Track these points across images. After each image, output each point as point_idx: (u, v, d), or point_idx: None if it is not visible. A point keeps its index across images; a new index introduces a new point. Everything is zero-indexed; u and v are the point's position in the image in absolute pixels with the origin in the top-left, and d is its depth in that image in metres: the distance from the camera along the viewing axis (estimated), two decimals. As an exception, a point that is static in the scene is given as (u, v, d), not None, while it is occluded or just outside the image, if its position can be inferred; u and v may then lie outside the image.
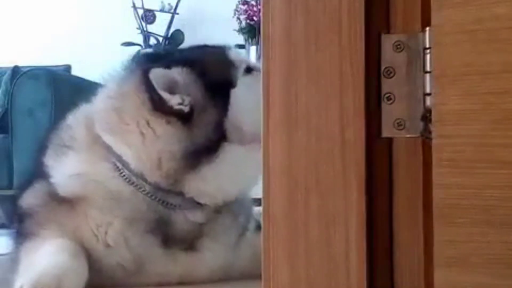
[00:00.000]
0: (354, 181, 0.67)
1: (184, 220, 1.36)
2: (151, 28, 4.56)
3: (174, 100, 1.32)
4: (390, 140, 0.68)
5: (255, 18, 4.21)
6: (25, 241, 1.34)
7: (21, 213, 1.42)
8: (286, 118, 0.69)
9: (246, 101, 1.37)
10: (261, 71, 0.72)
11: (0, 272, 1.39)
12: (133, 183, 1.33)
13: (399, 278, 0.67)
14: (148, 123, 1.32)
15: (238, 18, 4.30)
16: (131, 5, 4.55)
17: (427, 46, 0.65)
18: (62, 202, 1.34)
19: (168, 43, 4.45)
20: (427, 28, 0.65)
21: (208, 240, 1.38)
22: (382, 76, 0.67)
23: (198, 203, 1.37)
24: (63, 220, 1.33)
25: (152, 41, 4.54)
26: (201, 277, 1.38)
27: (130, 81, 1.37)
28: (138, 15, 4.56)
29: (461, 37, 0.60)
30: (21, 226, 1.40)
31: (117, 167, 1.34)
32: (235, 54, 1.45)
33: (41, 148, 1.46)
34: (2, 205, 2.99)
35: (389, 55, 0.67)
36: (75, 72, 4.21)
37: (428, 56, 0.65)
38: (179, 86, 1.33)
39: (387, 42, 0.67)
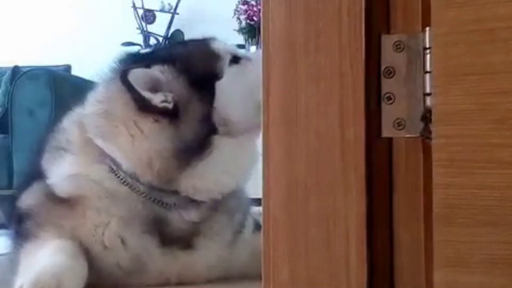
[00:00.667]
0: (354, 181, 0.67)
1: (180, 219, 1.36)
2: (151, 28, 4.56)
3: (157, 99, 1.32)
4: (390, 140, 0.68)
5: (255, 18, 4.21)
6: (24, 242, 1.35)
7: (20, 214, 1.42)
8: (286, 118, 0.69)
9: (233, 91, 1.37)
10: (261, 71, 0.72)
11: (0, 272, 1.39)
12: (127, 183, 1.34)
13: (399, 278, 0.67)
14: (135, 124, 1.33)
15: (238, 18, 4.30)
16: (131, 5, 4.55)
17: (427, 46, 0.65)
18: (60, 203, 1.35)
19: (168, 43, 4.45)
20: (427, 28, 0.65)
21: (205, 238, 1.38)
22: (382, 76, 0.67)
23: (194, 201, 1.37)
24: (61, 221, 1.34)
25: (152, 41, 4.54)
26: (198, 275, 1.38)
27: (114, 84, 1.37)
28: (138, 15, 4.56)
29: (461, 37, 0.60)
30: (20, 227, 1.41)
31: (112, 168, 1.35)
32: (220, 46, 1.44)
33: (38, 150, 1.47)
34: (1, 205, 2.99)
35: (389, 55, 0.67)
36: (75, 72, 4.20)
37: (428, 56, 0.65)
38: (161, 84, 1.33)
39: (387, 42, 0.67)
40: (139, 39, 4.52)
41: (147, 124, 1.32)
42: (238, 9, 4.33)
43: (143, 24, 4.55)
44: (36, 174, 1.43)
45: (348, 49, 0.67)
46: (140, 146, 1.33)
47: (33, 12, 4.89)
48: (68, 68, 4.33)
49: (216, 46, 1.43)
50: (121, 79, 1.33)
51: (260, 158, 0.72)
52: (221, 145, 1.35)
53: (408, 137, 0.67)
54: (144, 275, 1.34)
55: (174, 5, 4.56)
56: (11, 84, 3.48)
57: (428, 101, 0.65)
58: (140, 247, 1.33)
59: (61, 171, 1.37)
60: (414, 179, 0.67)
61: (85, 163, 1.36)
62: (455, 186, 0.60)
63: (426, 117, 0.65)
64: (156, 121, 1.32)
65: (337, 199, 0.67)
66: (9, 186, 3.24)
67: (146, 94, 1.32)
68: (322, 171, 0.68)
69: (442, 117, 0.61)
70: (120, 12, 4.55)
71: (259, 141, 1.44)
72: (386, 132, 0.67)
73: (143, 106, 1.32)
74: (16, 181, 3.21)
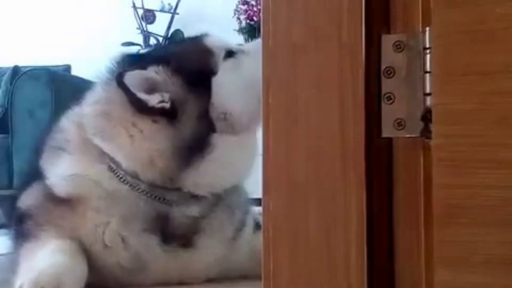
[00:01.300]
0: (354, 181, 0.67)
1: (181, 215, 1.36)
2: (151, 28, 4.56)
3: (153, 100, 1.33)
4: (390, 140, 0.68)
5: (255, 18, 4.22)
6: (24, 242, 1.35)
7: (20, 214, 1.42)
8: (286, 118, 0.69)
9: (230, 85, 1.38)
10: (261, 71, 0.72)
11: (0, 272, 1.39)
12: (128, 182, 1.34)
13: (399, 278, 0.67)
14: (134, 125, 1.34)
15: (238, 18, 4.30)
16: (131, 5, 4.55)
17: (427, 46, 0.65)
18: (60, 203, 1.35)
19: (168, 43, 4.45)
20: (427, 28, 0.64)
21: (205, 235, 1.38)
22: (382, 76, 0.67)
23: (195, 196, 1.37)
24: (61, 221, 1.34)
25: (152, 41, 4.54)
26: (198, 274, 1.38)
27: (112, 85, 1.37)
28: (138, 15, 4.56)
29: (461, 37, 0.60)
30: (20, 227, 1.41)
31: (111, 168, 1.35)
32: (213, 41, 1.45)
33: (37, 150, 1.47)
34: (2, 205, 2.99)
35: (389, 55, 0.67)
36: (75, 72, 4.20)
37: (428, 56, 0.65)
38: (157, 85, 1.34)
39: (387, 42, 0.67)
40: (139, 39, 4.52)
41: (146, 124, 1.33)
42: (238, 9, 4.33)
43: (143, 24, 4.55)
44: (35, 174, 1.43)
45: (348, 49, 0.67)
46: (140, 146, 1.33)
47: (33, 12, 4.88)
48: (68, 68, 4.33)
49: (209, 42, 1.44)
50: (117, 82, 1.33)
51: (261, 154, 0.72)
52: (222, 142, 1.36)
53: (408, 137, 0.67)
54: (144, 274, 1.34)
55: (174, 5, 4.56)
56: (11, 84, 3.48)
57: (428, 101, 0.65)
58: (141, 246, 1.33)
59: (60, 171, 1.37)
60: (414, 179, 0.67)
61: (84, 163, 1.36)
62: (455, 186, 0.60)
63: (426, 117, 0.65)
64: (155, 121, 1.33)
65: (337, 199, 0.67)
66: (9, 186, 3.24)
67: (143, 96, 1.32)
68: (322, 171, 0.68)
69: (442, 117, 0.61)
70: (120, 12, 4.55)
71: (259, 137, 1.46)
72: (386, 132, 0.67)
73: (141, 107, 1.33)
74: (16, 181, 3.21)
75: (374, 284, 0.67)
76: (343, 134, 0.67)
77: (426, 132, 0.65)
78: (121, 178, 1.34)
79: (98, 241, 1.32)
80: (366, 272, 0.66)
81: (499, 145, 0.59)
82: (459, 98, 0.60)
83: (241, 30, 4.29)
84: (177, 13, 4.55)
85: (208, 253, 1.38)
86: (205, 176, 1.35)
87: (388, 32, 0.68)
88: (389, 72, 0.67)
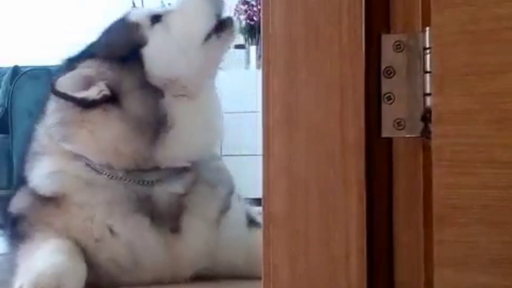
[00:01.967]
0: (354, 181, 0.67)
1: (164, 193, 1.38)
2: (151, 28, 4.55)
3: (93, 93, 1.36)
4: (390, 140, 0.68)
5: (255, 18, 4.22)
6: (20, 243, 1.35)
7: (12, 217, 1.44)
8: (286, 118, 0.69)
9: (163, 50, 1.40)
10: (262, 70, 0.72)
11: (-1, 272, 1.39)
12: (105, 173, 1.37)
13: (399, 278, 0.67)
14: (88, 121, 1.37)
15: (238, 18, 4.30)
16: (131, 5, 4.55)
17: (427, 46, 0.65)
18: (47, 202, 1.38)
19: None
20: (427, 28, 0.64)
21: (190, 214, 1.39)
22: (382, 76, 0.67)
23: (175, 172, 1.39)
24: (50, 219, 1.36)
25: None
26: (189, 262, 1.38)
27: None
28: (138, 15, 4.55)
29: (461, 37, 0.60)
30: (15, 229, 1.42)
31: (88, 164, 1.38)
32: (136, 14, 1.49)
33: (21, 158, 1.53)
34: (1, 205, 2.98)
35: (389, 55, 0.67)
36: (75, 72, 4.20)
37: (428, 56, 0.65)
38: (91, 78, 1.38)
39: (387, 42, 0.67)
40: (139, 39, 4.52)
41: (98, 116, 1.37)
42: (238, 9, 4.33)
43: (143, 24, 4.54)
44: (22, 179, 1.47)
45: (348, 49, 0.67)
46: (101, 138, 1.37)
47: (33, 12, 4.88)
48: (68, 68, 4.32)
49: (132, 16, 1.48)
50: (52, 92, 1.38)
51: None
52: (180, 108, 1.38)
53: (408, 137, 0.67)
54: (139, 271, 1.34)
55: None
56: (11, 84, 3.48)
57: (428, 101, 0.65)
58: (131, 232, 1.33)
59: (41, 172, 1.41)
60: (414, 179, 0.67)
61: (61, 162, 1.40)
62: (455, 186, 0.60)
63: (426, 117, 0.65)
64: (104, 110, 1.36)
65: (337, 199, 0.67)
66: (9, 186, 3.24)
67: (82, 94, 1.36)
68: (322, 171, 0.68)
69: (442, 117, 0.61)
70: (120, 12, 4.54)
71: (218, 95, 1.47)
72: (386, 132, 0.67)
73: (85, 104, 1.36)
74: (16, 181, 3.21)
75: (374, 284, 0.67)
76: (343, 134, 0.67)
77: (426, 132, 0.65)
78: (98, 171, 1.37)
79: (89, 237, 1.33)
80: (366, 272, 0.66)
81: (499, 145, 0.59)
82: (459, 98, 0.60)
83: (241, 30, 4.29)
84: (177, 13, 4.55)
85: (195, 236, 1.38)
86: (175, 145, 1.37)
87: (388, 32, 0.68)
88: (389, 72, 0.67)
